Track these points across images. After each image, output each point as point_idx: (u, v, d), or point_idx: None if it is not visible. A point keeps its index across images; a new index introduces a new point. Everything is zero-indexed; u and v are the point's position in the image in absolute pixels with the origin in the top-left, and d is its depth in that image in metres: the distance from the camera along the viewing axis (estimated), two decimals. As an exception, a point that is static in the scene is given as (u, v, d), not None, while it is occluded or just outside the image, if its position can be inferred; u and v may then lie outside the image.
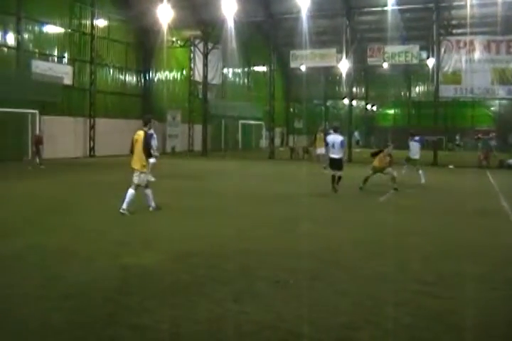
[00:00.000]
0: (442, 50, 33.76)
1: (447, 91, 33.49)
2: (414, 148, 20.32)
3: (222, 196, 14.73)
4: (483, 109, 50.93)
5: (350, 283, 6.41)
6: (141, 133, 11.20)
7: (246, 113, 46.73)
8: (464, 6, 33.90)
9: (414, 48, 36.80)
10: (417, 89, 53.90)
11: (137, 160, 11.23)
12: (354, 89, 46.37)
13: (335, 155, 15.80)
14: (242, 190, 16.08)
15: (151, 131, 19.64)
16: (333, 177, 15.86)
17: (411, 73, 51.84)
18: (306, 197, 14.62)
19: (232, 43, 37.19)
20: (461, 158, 31.36)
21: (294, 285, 6.23)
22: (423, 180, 19.14)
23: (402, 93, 54.87)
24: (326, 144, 16.36)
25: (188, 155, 36.52)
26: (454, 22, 37.80)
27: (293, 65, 38.64)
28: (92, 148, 33.23)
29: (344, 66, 36.97)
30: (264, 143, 48.40)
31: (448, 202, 14.81)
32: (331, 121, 50.00)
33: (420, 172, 19.51)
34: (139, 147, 11.15)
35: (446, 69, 33.64)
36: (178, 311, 5.28)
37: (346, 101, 38.84)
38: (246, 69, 50.08)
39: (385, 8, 34.95)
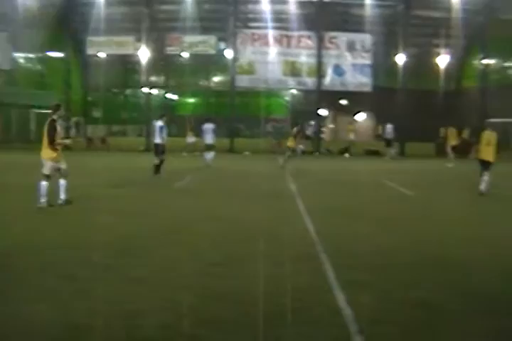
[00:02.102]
0: (238, 41, 35.03)
1: (243, 81, 34.96)
2: (209, 134, 21.33)
3: (8, 191, 13.81)
4: (277, 98, 53.77)
5: (144, 270, 6.40)
6: (47, 120, 10.89)
7: (40, 101, 44.07)
8: (260, 2, 35.48)
9: (212, 39, 37.66)
10: (216, 78, 55.18)
11: (44, 148, 10.85)
12: (154, 78, 46.18)
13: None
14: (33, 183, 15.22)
15: None
16: (157, 165, 16.88)
17: (210, 63, 52.87)
18: (101, 188, 14.27)
19: (24, 26, 34.88)
20: (257, 145, 32.89)
21: (85, 278, 6.04)
22: (209, 163, 20.99)
23: (202, 82, 55.86)
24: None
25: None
26: (250, 16, 39.32)
27: (90, 51, 37.54)
28: None
29: (143, 54, 36.63)
30: (60, 133, 46.16)
31: (241, 186, 15.53)
32: (129, 111, 49.47)
33: (210, 156, 20.97)
34: (45, 134, 10.85)
35: (241, 60, 35.01)
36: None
37: (146, 89, 38.55)
38: (40, 55, 47.25)
39: (184, -1, 35.40)
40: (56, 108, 11.28)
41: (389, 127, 29.43)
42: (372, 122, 51.76)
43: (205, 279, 6.10)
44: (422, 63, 47.76)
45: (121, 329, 4.66)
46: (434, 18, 42.55)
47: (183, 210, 10.99)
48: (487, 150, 14.22)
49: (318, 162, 27.29)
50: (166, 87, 55.26)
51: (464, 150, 28.88)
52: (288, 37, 35.84)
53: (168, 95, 56.56)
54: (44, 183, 10.78)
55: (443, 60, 44.65)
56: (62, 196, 11.03)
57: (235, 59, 34.93)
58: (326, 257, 7.03)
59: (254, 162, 24.67)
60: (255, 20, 39.01)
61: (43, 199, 10.79)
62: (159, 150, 17.19)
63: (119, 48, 36.44)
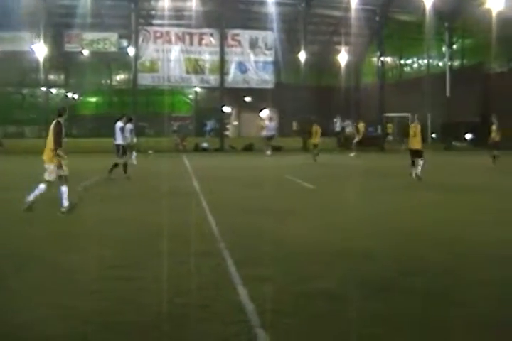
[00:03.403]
0: (140, 39, 34.59)
1: (145, 79, 34.63)
2: (117, 133, 20.94)
3: None
4: (181, 96, 53.42)
5: (46, 277, 6.19)
6: (52, 123, 10.56)
7: None
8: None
9: (113, 36, 36.94)
10: (118, 77, 54.06)
11: (46, 151, 10.51)
12: (53, 77, 44.71)
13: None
14: None
15: None
16: (124, 165, 17.15)
17: (112, 61, 51.73)
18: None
19: None
20: (161, 144, 32.55)
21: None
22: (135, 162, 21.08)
23: (104, 81, 54.54)
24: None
25: None
26: (153, 13, 38.87)
27: (-20, 48, 35.80)
28: None
29: (41, 51, 35.27)
30: None
31: (146, 186, 15.38)
32: (27, 111, 47.41)
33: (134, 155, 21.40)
34: (49, 137, 10.48)
35: (144, 58, 34.59)
36: None
37: (44, 88, 37.16)
38: None
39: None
40: (63, 110, 10.96)
41: (272, 124, 30.63)
42: (277, 118, 52.52)
43: (108, 283, 5.95)
44: (323, 60, 49.07)
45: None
46: (333, 16, 43.86)
47: (84, 213, 10.67)
48: (414, 141, 16.53)
49: (222, 159, 27.50)
50: (66, 86, 53.48)
51: (361, 143, 30.38)
52: (190, 34, 35.81)
53: (69, 94, 54.75)
54: (43, 186, 10.45)
55: (343, 57, 46.09)
56: (65, 204, 10.52)
57: (137, 57, 34.41)
58: (228, 253, 7.06)
59: (158, 161, 24.39)
60: (157, 17, 38.61)
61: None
62: (120, 150, 17.24)
63: (14, 44, 34.92)
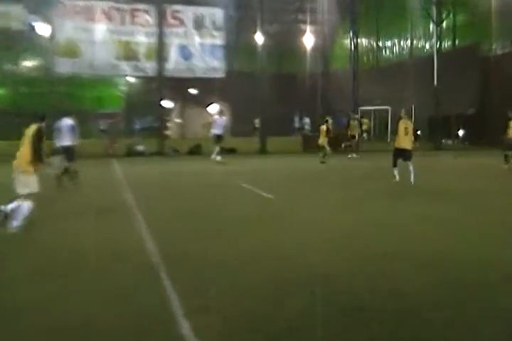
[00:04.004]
0: (55, 14, 33.73)
1: (63, 66, 33.64)
2: (66, 133, 20.40)
3: None
4: (110, 88, 52.97)
5: None
6: (32, 127, 10.98)
7: None
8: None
9: (18, 10, 35.88)
10: (27, 62, 53.20)
11: (20, 158, 10.80)
12: None
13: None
14: None
15: None
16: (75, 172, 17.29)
17: (18, 42, 50.73)
18: None
19: None
20: (85, 147, 32.17)
21: None
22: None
23: (7, 66, 53.47)
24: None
25: None
26: (71, -19, 38.46)
27: None
28: None
29: None
30: None
31: (70, 199, 15.45)
32: None
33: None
34: (26, 143, 10.81)
35: (60, 38, 33.77)
36: None
37: None
38: None
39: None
40: (44, 116, 11.46)
41: (220, 121, 30.40)
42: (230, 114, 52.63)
43: (28, 315, 6.18)
44: (285, 43, 49.37)
45: None
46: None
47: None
48: (406, 139, 17.44)
49: (161, 164, 27.61)
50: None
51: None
52: (120, 11, 35.14)
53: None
54: (28, 203, 10.72)
55: (309, 39, 46.49)
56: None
57: (52, 37, 33.78)
58: (169, 282, 7.30)
59: (82, 168, 24.23)
60: (76, -13, 38.21)
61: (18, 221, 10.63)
62: (70, 153, 17.34)
63: None
